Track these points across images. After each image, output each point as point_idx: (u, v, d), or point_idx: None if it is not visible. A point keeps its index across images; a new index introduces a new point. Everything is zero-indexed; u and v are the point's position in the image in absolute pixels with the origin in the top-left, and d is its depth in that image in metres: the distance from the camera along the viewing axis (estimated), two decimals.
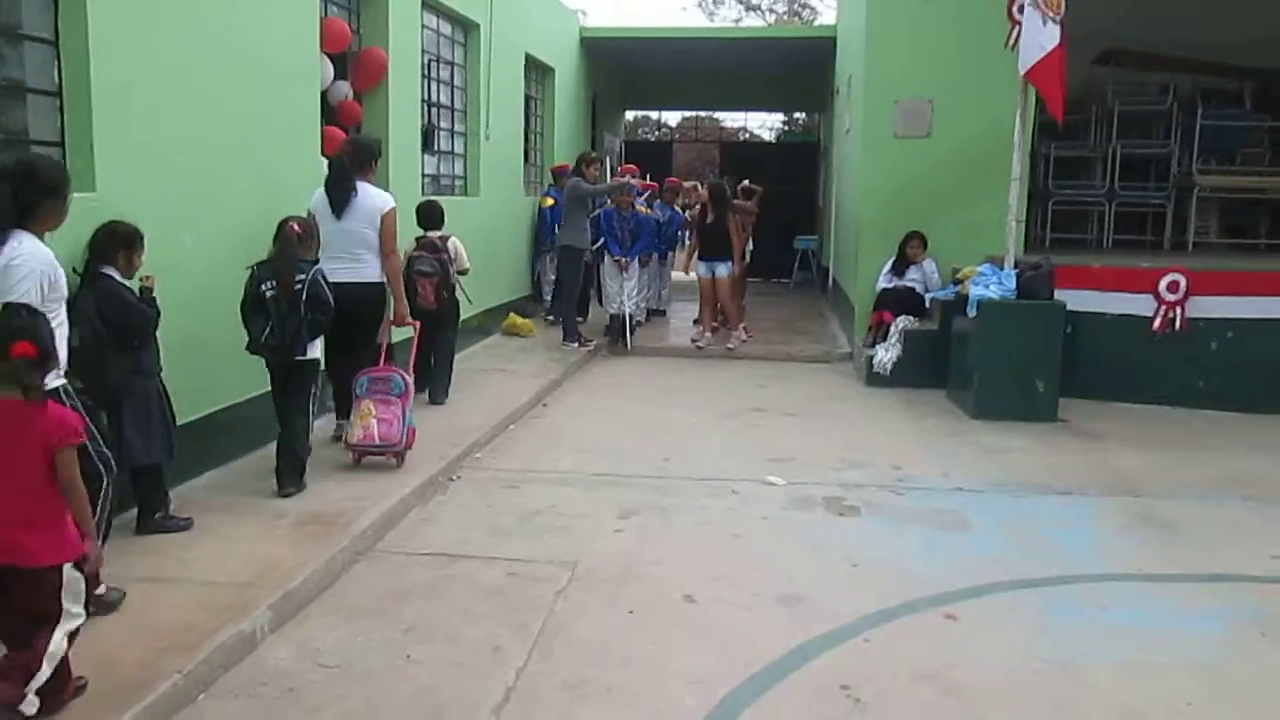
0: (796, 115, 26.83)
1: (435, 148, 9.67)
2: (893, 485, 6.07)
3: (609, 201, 10.69)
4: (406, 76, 8.50)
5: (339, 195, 6.00)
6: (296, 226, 5.42)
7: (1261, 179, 11.12)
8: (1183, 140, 11.08)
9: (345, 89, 7.71)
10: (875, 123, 9.84)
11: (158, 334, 4.65)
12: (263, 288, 5.26)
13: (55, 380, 3.43)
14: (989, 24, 8.81)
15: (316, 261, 5.54)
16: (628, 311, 10.65)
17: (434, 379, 7.53)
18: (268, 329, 5.26)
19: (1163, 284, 8.23)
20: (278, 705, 3.43)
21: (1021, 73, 7.77)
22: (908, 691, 3.60)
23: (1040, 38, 7.60)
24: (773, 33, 16.50)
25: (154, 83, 5.01)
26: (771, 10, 34.02)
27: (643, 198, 11.54)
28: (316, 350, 5.44)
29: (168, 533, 4.64)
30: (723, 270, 10.48)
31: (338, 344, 5.89)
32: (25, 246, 3.45)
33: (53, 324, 3.36)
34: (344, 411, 6.19)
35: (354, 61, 7.83)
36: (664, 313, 13.24)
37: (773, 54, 16.59)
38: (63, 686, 3.10)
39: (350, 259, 6.00)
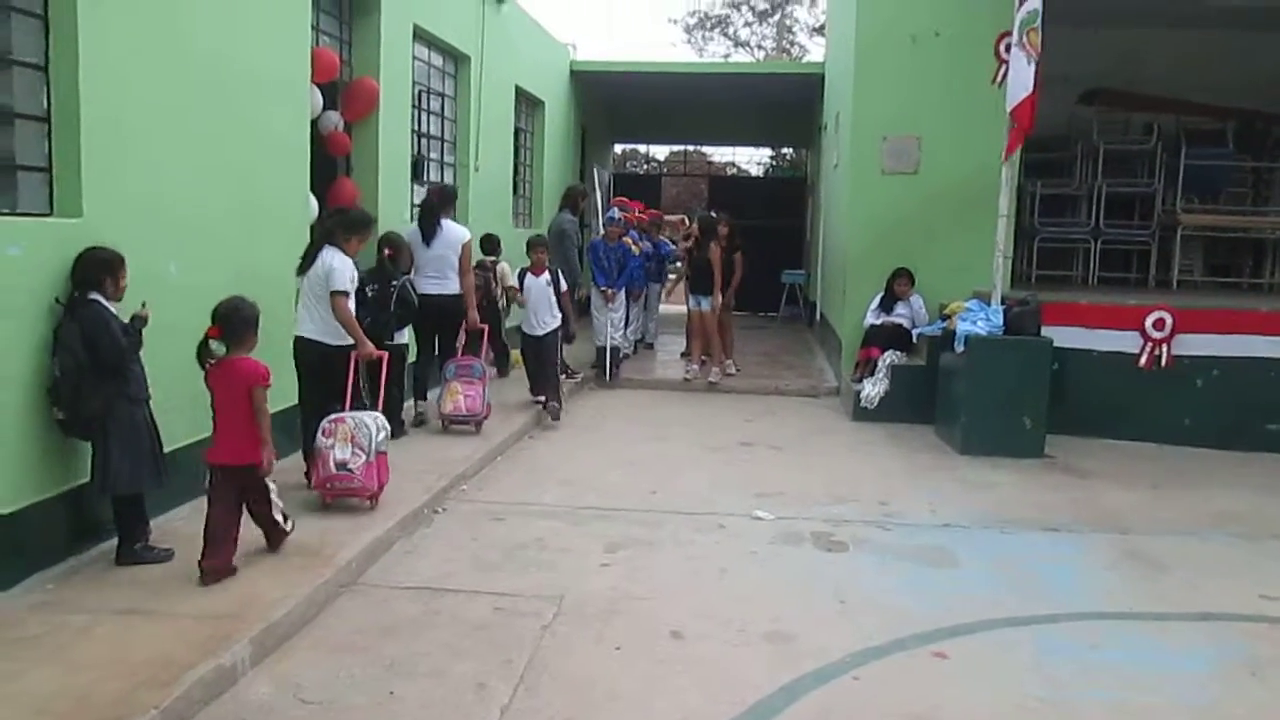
0: (784, 150, 27.00)
1: (425, 178, 9.66)
2: (880, 521, 6.04)
3: (601, 233, 10.73)
4: (397, 107, 8.51)
5: (428, 228, 7.77)
6: (387, 250, 7.08)
7: (1245, 218, 11.22)
8: (1167, 179, 11.15)
9: (335, 119, 7.70)
10: (863, 159, 9.90)
11: (141, 361, 4.61)
12: (366, 289, 6.60)
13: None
14: (976, 62, 8.93)
15: (408, 274, 7.36)
16: (613, 344, 10.63)
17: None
18: (367, 319, 6.34)
19: (1149, 321, 8.27)
20: None
21: (1008, 110, 7.83)
22: None
23: (1024, 77, 7.67)
24: (760, 69, 16.63)
25: (143, 110, 5.00)
26: (760, 47, 34.34)
27: (629, 230, 11.49)
28: (404, 337, 7.48)
29: (147, 564, 4.57)
30: (709, 304, 10.48)
31: (425, 340, 8.06)
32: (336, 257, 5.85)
33: (351, 304, 5.86)
34: (421, 394, 8.00)
35: (345, 91, 7.83)
36: (651, 345, 13.22)
37: (760, 89, 16.73)
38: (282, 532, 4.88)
39: (438, 276, 7.73)
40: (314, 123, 7.19)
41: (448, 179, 10.29)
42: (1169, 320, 8.25)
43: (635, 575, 5.06)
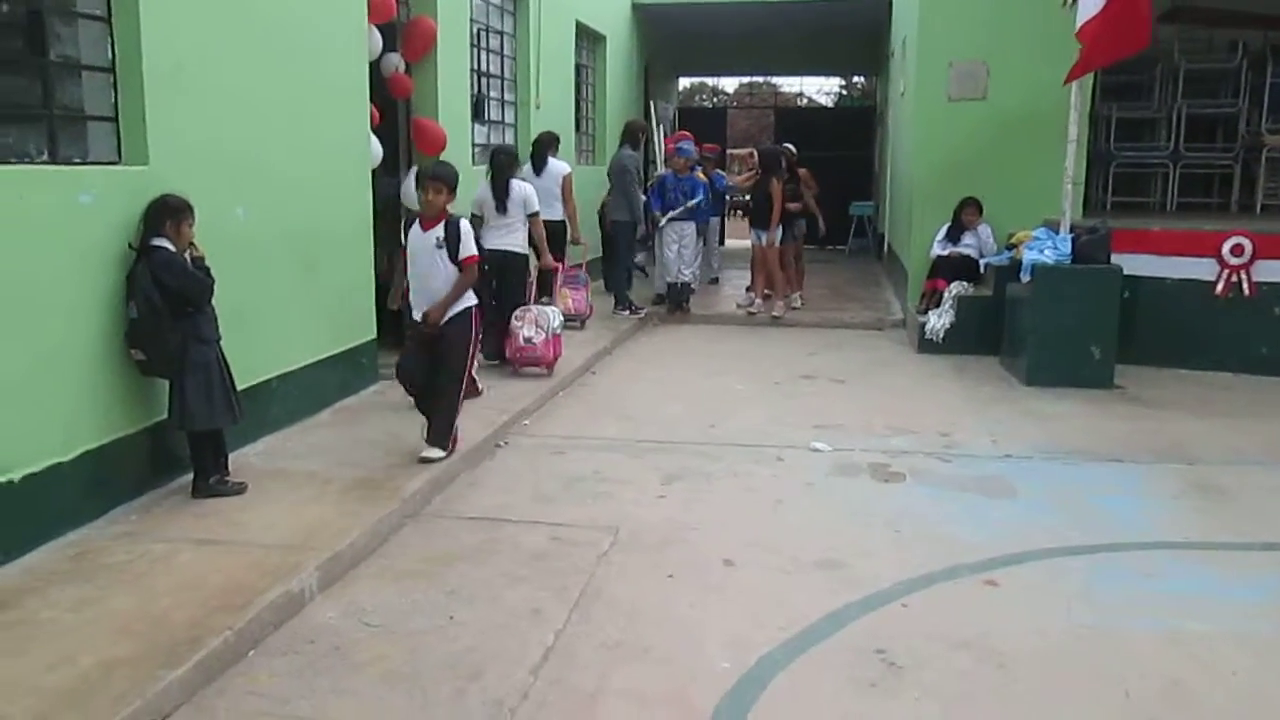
0: (855, 80, 26.44)
1: (486, 117, 9.71)
2: (940, 452, 6.03)
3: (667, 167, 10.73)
4: (456, 46, 8.54)
5: (538, 160, 9.17)
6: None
7: None
8: (1252, 99, 10.73)
9: (396, 61, 7.77)
10: (929, 86, 9.67)
11: (213, 302, 4.78)
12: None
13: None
14: None
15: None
16: (682, 280, 10.66)
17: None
18: None
19: (1226, 247, 8.03)
20: (323, 662, 3.53)
21: (1079, 24, 7.54)
22: (944, 657, 3.60)
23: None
24: None
25: (204, 58, 5.11)
26: None
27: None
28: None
29: (222, 496, 4.79)
30: (766, 237, 10.42)
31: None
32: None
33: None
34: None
35: (403, 32, 7.88)
36: (716, 280, 13.20)
37: (828, 17, 16.32)
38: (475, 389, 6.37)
39: (545, 206, 8.49)
40: (375, 65, 7.27)
41: (508, 118, 10.33)
42: (1248, 246, 7.99)
43: (691, 506, 5.15)
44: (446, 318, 5.43)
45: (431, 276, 5.48)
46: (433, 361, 5.50)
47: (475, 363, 5.88)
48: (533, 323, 7.55)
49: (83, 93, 4.67)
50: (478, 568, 4.35)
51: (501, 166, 7.88)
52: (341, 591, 4.09)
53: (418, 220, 5.62)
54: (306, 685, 3.38)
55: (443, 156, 8.13)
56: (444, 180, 5.52)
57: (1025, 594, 4.14)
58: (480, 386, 6.79)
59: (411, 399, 5.75)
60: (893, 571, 4.30)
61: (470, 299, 5.54)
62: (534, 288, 8.31)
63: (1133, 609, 3.99)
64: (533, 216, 7.98)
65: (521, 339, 7.49)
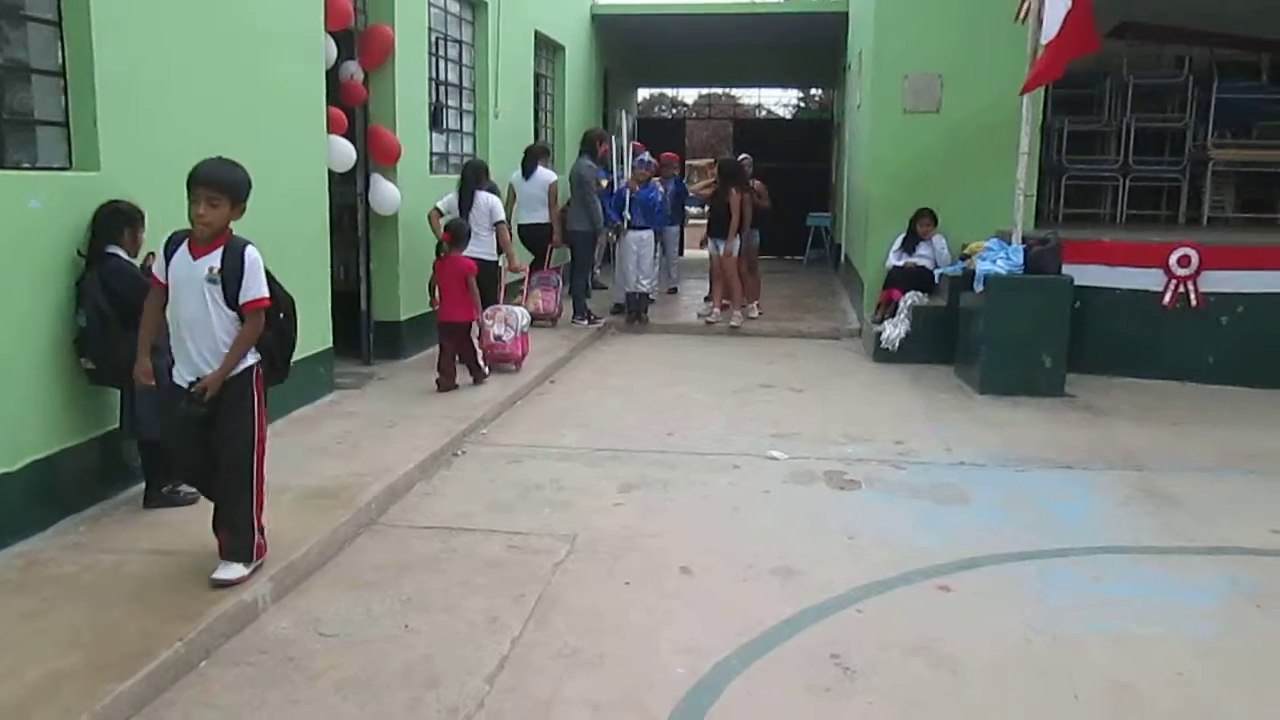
0: (813, 92, 26.66)
1: (444, 126, 9.68)
2: (894, 460, 6.09)
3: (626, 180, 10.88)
4: (413, 54, 8.51)
5: (528, 167, 10.09)
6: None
7: (1278, 152, 11.00)
8: (1198, 114, 10.98)
9: (353, 69, 7.73)
10: (884, 98, 9.79)
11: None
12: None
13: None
14: None
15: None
16: (641, 289, 10.70)
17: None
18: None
19: (1173, 259, 8.20)
20: (277, 673, 3.50)
21: (1044, 42, 7.65)
22: (897, 662, 3.64)
23: (1057, 8, 7.48)
24: (786, 8, 16.29)
25: (157, 63, 5.06)
26: None
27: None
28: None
29: (174, 506, 4.72)
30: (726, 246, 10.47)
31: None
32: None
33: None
34: None
35: (360, 39, 7.84)
36: (675, 290, 13.25)
37: (786, 29, 16.49)
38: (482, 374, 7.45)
39: (531, 210, 10.10)
40: (333, 72, 7.23)
41: (467, 127, 10.31)
42: (1194, 257, 8.16)
43: (648, 514, 5.16)
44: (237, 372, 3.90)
45: (201, 325, 3.85)
46: (210, 446, 3.96)
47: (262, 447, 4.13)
48: (502, 321, 8.05)
49: (33, 97, 4.60)
50: (434, 577, 4.33)
51: (467, 178, 8.49)
52: (295, 601, 4.05)
53: (185, 242, 3.94)
54: (259, 696, 3.34)
55: (400, 165, 8.13)
56: (222, 187, 3.84)
57: (978, 599, 4.19)
58: (486, 370, 7.56)
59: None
60: (848, 578, 4.34)
61: (250, 357, 3.98)
62: (504, 289, 8.78)
63: (1082, 613, 4.05)
64: (499, 224, 8.54)
65: (492, 336, 7.94)
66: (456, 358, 7.40)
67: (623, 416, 7.10)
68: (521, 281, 10.15)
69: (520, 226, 9.75)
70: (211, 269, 3.87)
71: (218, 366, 3.88)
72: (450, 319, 7.41)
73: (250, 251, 3.91)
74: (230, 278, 3.87)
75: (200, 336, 3.89)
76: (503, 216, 8.63)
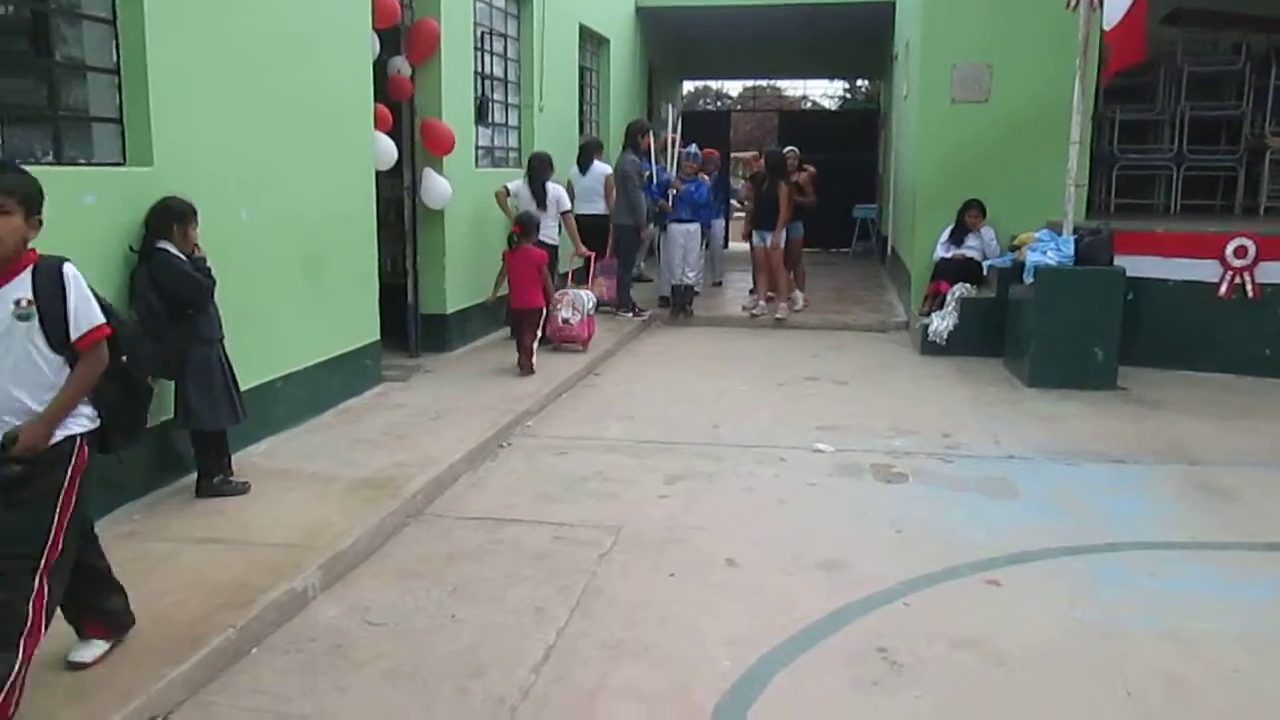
0: (860, 83, 26.44)
1: (489, 120, 9.73)
2: (942, 453, 6.03)
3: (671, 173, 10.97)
4: (459, 48, 8.56)
5: (584, 162, 10.44)
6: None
7: None
8: (1255, 102, 10.72)
9: (400, 64, 7.80)
10: (932, 88, 9.67)
11: (216, 302, 4.80)
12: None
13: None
14: None
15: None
16: (686, 282, 10.72)
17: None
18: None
19: (1229, 249, 8.02)
20: (325, 660, 3.55)
21: (1106, 29, 7.50)
22: (945, 656, 3.60)
23: None
24: None
25: (208, 59, 5.13)
26: None
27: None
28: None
29: (225, 496, 4.80)
30: (773, 239, 10.43)
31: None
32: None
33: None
34: None
35: (407, 35, 7.90)
36: (720, 283, 13.22)
37: (832, 20, 16.33)
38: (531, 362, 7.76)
39: (588, 202, 10.29)
40: (380, 67, 7.29)
41: (512, 120, 10.35)
42: (1252, 248, 7.98)
43: (693, 506, 5.15)
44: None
45: (21, 378, 2.91)
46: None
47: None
48: (570, 305, 8.64)
49: (88, 94, 4.70)
50: (480, 567, 4.36)
51: (534, 170, 9.05)
52: (344, 590, 4.11)
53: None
54: (308, 683, 3.39)
55: (444, 159, 8.18)
56: (9, 188, 2.87)
57: (1027, 593, 4.14)
58: (534, 361, 7.78)
59: None
60: (895, 571, 4.31)
61: (82, 416, 3.03)
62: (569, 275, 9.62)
63: (1134, 608, 3.99)
64: (565, 214, 9.26)
65: (560, 319, 8.55)
66: (531, 338, 7.89)
67: (668, 408, 7.10)
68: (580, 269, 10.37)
69: (578, 218, 9.98)
70: (21, 301, 2.88)
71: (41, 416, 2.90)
72: (523, 305, 7.88)
73: (69, 270, 2.95)
74: (50, 309, 2.90)
75: (8, 383, 2.88)
76: (569, 206, 9.31)
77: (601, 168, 10.50)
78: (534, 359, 7.77)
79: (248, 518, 4.57)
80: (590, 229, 10.25)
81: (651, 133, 11.64)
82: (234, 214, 5.37)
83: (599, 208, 10.40)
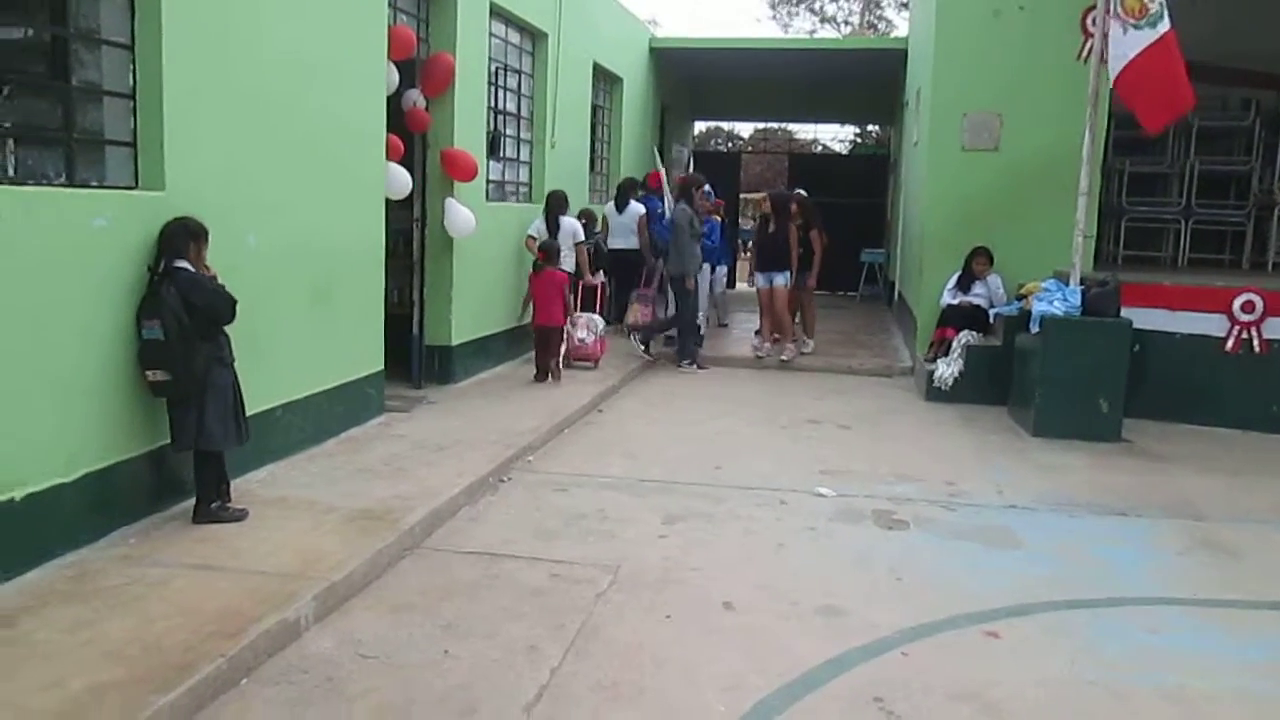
0: (870, 127, 26.59)
1: (501, 154, 9.80)
2: (944, 501, 5.99)
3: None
4: (473, 83, 8.63)
5: (621, 201, 11.63)
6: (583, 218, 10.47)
7: None
8: (1264, 157, 10.76)
9: (415, 96, 7.86)
10: (943, 135, 9.73)
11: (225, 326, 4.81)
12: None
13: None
14: (1059, 36, 8.73)
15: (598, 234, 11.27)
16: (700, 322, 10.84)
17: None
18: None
19: (1237, 304, 8.01)
20: (316, 693, 3.51)
21: (1111, 83, 7.58)
22: (942, 707, 3.55)
23: (1123, 47, 7.41)
24: (843, 44, 16.34)
25: (223, 87, 5.18)
26: (847, 22, 33.82)
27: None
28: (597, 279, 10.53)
29: (222, 522, 4.78)
30: (780, 281, 10.40)
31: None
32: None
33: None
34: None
35: (422, 68, 7.97)
36: (725, 325, 13.22)
37: (844, 66, 16.50)
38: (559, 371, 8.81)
39: (622, 238, 11.53)
40: (395, 99, 7.35)
41: (524, 155, 10.42)
42: (1259, 303, 7.97)
43: (692, 547, 5.11)
44: None
45: None
46: None
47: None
48: (584, 326, 9.63)
49: (103, 117, 4.73)
50: (475, 603, 4.32)
51: (550, 206, 9.75)
52: (338, 622, 4.07)
53: None
54: (297, 716, 3.35)
55: (455, 191, 8.23)
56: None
57: (1027, 646, 4.09)
58: (562, 371, 8.88)
59: None
60: (894, 619, 4.26)
61: None
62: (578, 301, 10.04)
63: (1135, 665, 3.94)
64: (578, 245, 9.90)
65: (576, 339, 9.51)
66: (553, 354, 8.87)
67: (670, 448, 7.07)
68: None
69: (613, 251, 11.23)
70: None
71: None
72: (547, 323, 8.84)
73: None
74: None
75: None
76: (583, 238, 10.00)
77: (636, 208, 11.53)
78: (561, 370, 8.87)
79: (243, 545, 4.54)
80: (624, 263, 11.34)
81: (665, 171, 11.82)
82: (242, 240, 5.39)
83: (631, 243, 11.48)
